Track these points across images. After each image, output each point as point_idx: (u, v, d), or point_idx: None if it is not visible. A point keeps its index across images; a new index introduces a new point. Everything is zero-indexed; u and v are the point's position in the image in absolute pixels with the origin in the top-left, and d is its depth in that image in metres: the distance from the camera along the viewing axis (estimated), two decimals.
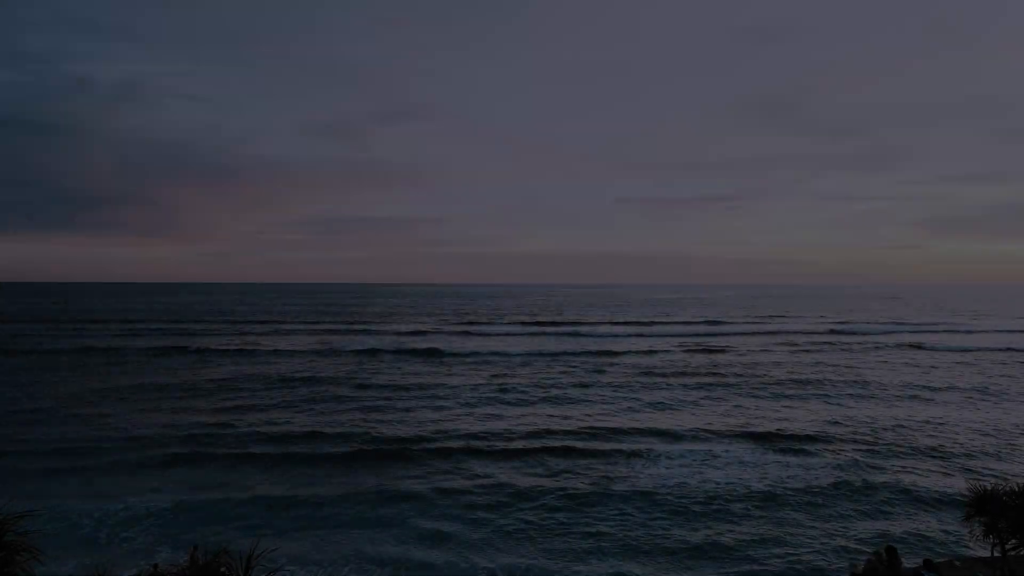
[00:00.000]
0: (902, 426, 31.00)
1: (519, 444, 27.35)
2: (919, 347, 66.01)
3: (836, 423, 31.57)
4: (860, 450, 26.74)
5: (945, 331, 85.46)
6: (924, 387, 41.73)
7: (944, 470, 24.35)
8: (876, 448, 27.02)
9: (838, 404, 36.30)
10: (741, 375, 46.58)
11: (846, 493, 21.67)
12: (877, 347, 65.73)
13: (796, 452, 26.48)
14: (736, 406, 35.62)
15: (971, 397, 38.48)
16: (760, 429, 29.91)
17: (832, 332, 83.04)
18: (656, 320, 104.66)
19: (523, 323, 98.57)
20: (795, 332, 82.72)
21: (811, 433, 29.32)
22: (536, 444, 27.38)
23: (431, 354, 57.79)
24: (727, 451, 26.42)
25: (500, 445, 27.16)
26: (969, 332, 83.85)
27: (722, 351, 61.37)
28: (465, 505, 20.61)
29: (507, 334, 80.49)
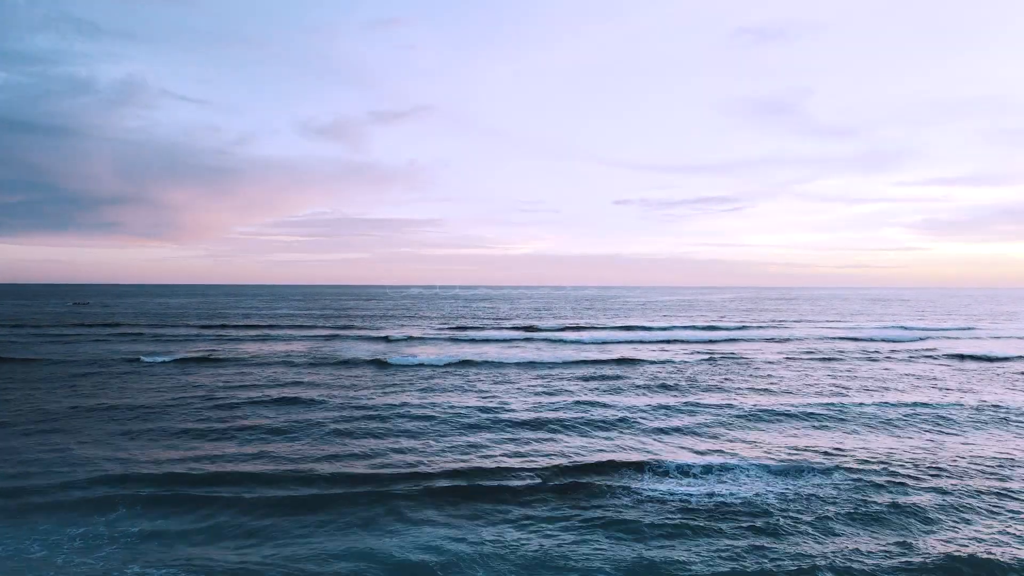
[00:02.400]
0: (969, 465, 26.67)
1: (513, 482, 23.24)
2: (962, 357, 59.26)
3: (886, 459, 27.33)
4: (921, 499, 22.65)
5: (978, 338, 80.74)
6: (982, 408, 36.63)
7: None
8: (943, 494, 22.91)
9: (884, 432, 31.95)
10: (764, 391, 42.39)
11: (906, 563, 17.70)
12: (913, 357, 60.52)
13: (847, 499, 22.40)
14: (765, 432, 31.52)
15: None
16: (794, 463, 25.84)
17: (854, 340, 77.74)
18: (659, 326, 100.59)
19: (519, 328, 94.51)
20: (814, 339, 78.04)
21: (861, 469, 25.18)
22: (531, 482, 23.30)
23: (420, 367, 53.60)
24: (759, 491, 22.36)
25: (492, 483, 23.06)
26: (1001, 338, 79.56)
27: (737, 361, 57.17)
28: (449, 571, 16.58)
29: (503, 340, 76.42)
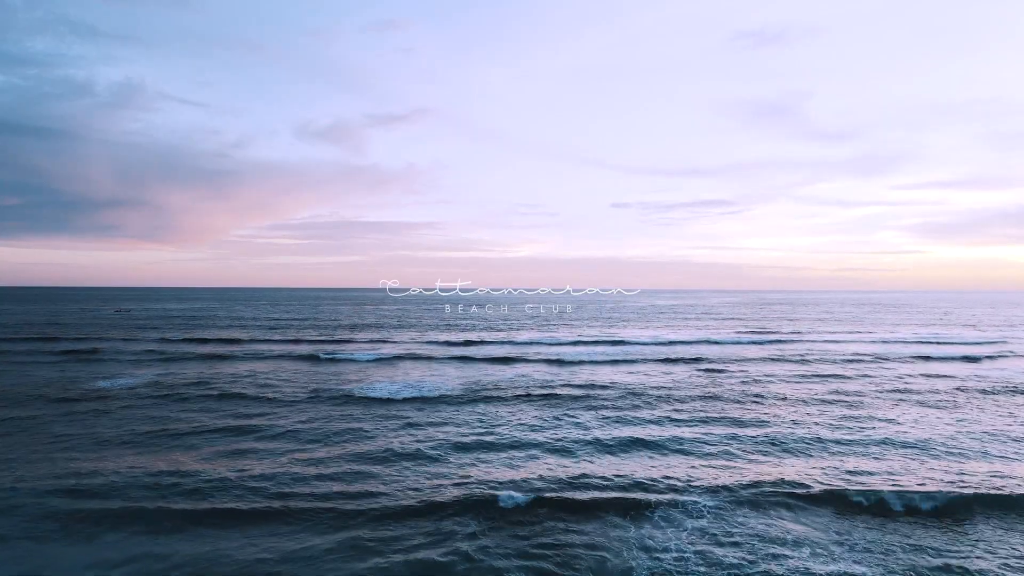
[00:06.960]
0: None
1: None
2: None
3: None
4: None
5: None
6: None
7: None
8: None
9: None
10: (819, 444, 35.77)
11: None
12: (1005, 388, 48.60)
13: None
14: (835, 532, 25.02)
15: None
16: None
17: (922, 359, 68.17)
18: (673, 339, 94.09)
19: (514, 343, 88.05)
20: (853, 356, 70.29)
21: None
22: None
23: (402, 402, 47.14)
24: None
25: None
26: None
27: (763, 390, 50.53)
28: None
29: (498, 359, 69.91)
